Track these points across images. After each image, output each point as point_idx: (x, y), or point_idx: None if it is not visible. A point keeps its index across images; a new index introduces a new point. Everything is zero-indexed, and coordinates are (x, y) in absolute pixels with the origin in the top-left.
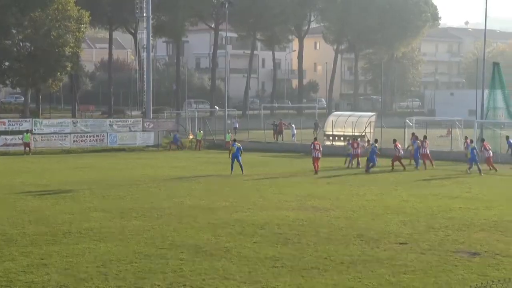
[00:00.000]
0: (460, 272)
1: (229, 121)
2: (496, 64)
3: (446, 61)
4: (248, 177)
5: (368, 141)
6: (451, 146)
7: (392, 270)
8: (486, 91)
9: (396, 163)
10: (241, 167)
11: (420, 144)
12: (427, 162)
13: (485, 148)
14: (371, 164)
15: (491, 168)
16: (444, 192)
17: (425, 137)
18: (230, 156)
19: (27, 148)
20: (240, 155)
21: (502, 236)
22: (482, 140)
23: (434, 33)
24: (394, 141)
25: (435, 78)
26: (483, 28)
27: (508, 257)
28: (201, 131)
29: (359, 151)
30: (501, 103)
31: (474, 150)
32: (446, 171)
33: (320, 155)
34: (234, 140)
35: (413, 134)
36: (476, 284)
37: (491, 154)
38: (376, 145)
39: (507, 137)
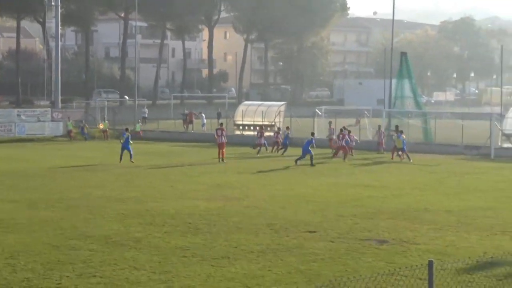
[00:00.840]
0: (369, 260)
1: (145, 110)
2: (404, 54)
3: (355, 51)
4: (158, 167)
5: (279, 129)
6: (359, 135)
7: (301, 258)
8: (394, 81)
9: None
10: (131, 154)
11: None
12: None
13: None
14: (283, 149)
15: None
16: (353, 181)
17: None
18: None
19: None
20: (129, 144)
21: (409, 224)
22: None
23: (343, 23)
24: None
25: (344, 67)
26: (391, 18)
27: (415, 244)
28: (106, 121)
29: (262, 140)
30: (408, 92)
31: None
32: (355, 160)
33: (223, 140)
34: (126, 130)
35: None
36: (384, 271)
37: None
38: (288, 132)
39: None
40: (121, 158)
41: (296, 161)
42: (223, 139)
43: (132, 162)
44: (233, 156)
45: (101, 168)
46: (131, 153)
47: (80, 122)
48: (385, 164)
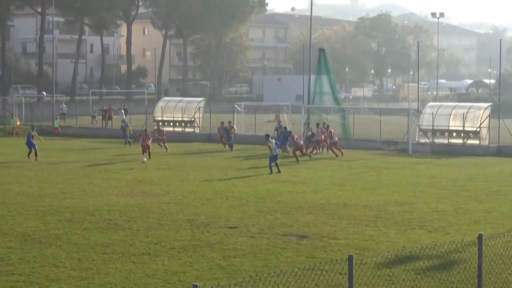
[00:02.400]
0: (289, 255)
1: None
2: (322, 50)
3: (273, 47)
4: (77, 163)
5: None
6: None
7: (222, 254)
8: (313, 77)
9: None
10: (36, 152)
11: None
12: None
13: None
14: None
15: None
16: (272, 176)
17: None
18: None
19: None
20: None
21: (329, 218)
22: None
23: (261, 19)
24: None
25: (262, 63)
26: (309, 14)
27: (335, 239)
28: (16, 117)
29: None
30: (327, 88)
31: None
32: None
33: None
34: (32, 128)
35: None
36: (305, 266)
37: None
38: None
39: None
40: (29, 155)
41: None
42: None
43: (37, 160)
44: (156, 155)
45: (18, 164)
46: (36, 150)
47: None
48: (302, 160)
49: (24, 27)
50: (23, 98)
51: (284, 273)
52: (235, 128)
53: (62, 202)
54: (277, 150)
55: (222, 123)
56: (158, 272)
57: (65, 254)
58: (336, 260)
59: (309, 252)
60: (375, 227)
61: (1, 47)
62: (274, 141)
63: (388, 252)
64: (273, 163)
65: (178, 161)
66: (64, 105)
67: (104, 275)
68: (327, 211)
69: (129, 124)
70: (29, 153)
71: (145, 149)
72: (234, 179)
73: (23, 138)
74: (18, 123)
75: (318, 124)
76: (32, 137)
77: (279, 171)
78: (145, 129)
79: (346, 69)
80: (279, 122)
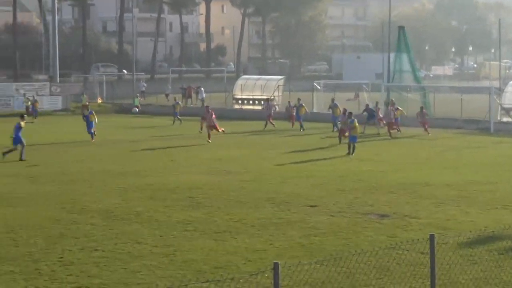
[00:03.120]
0: (370, 234)
1: (143, 83)
2: (401, 28)
3: (352, 25)
4: (158, 141)
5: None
6: (359, 109)
7: (303, 232)
8: (392, 55)
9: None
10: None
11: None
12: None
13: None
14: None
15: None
16: (354, 155)
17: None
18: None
19: None
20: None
21: (410, 198)
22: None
23: None
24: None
25: (342, 41)
26: None
27: (416, 218)
28: (85, 95)
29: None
30: (407, 66)
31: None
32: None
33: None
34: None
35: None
36: (386, 245)
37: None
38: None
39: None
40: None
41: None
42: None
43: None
44: (233, 132)
45: (100, 142)
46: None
47: (30, 98)
48: (383, 139)
49: (104, 6)
50: (104, 77)
51: (365, 252)
52: (304, 106)
53: (143, 179)
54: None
55: (289, 102)
56: (239, 249)
57: (147, 231)
58: (418, 240)
59: (390, 231)
60: (457, 206)
61: (82, 26)
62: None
63: (470, 232)
64: (351, 143)
65: (257, 140)
66: (144, 83)
67: (185, 252)
68: (408, 190)
69: (180, 102)
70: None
71: (212, 128)
72: (315, 157)
73: (105, 115)
74: (100, 100)
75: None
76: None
77: (350, 153)
78: (206, 106)
79: (426, 47)
80: (332, 100)
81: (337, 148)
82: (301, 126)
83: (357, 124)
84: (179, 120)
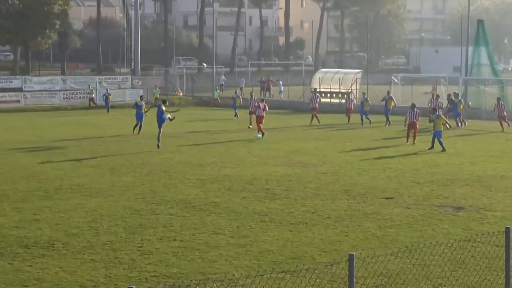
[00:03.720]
0: (445, 226)
1: (223, 77)
2: (480, 22)
3: (431, 18)
4: (236, 134)
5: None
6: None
7: (378, 224)
8: (471, 48)
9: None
10: (140, 125)
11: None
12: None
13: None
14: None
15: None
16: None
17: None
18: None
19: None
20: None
21: (485, 191)
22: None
23: None
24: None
25: (420, 35)
26: None
27: (492, 211)
28: (157, 88)
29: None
30: (485, 60)
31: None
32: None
33: (262, 114)
34: (163, 101)
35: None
36: (461, 238)
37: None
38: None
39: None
40: (140, 128)
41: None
42: (262, 112)
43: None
44: (311, 125)
45: (178, 134)
46: (141, 123)
47: (105, 92)
48: (459, 132)
49: (185, 0)
50: (185, 70)
51: (440, 244)
52: (394, 99)
53: (221, 171)
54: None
55: (363, 94)
56: (315, 241)
57: (224, 221)
58: (493, 232)
59: (465, 223)
60: None
61: (163, 20)
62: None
63: None
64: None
65: (335, 132)
66: (224, 77)
67: (262, 242)
68: (483, 183)
69: (240, 95)
70: (135, 126)
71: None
72: (391, 150)
73: (185, 108)
74: (180, 93)
75: (456, 94)
76: (141, 107)
77: (432, 147)
78: (262, 99)
79: (505, 41)
80: (388, 92)
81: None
82: (387, 120)
83: (442, 117)
84: (237, 115)
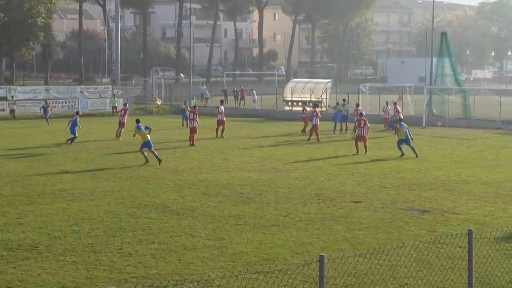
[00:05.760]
0: (411, 228)
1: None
2: (444, 34)
3: (397, 31)
4: (212, 141)
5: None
6: (402, 111)
7: (347, 226)
8: (435, 59)
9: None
10: (73, 137)
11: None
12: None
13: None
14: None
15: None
16: (396, 153)
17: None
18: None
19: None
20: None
21: (449, 194)
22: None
23: (385, 4)
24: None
25: (387, 47)
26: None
27: (455, 214)
28: (115, 97)
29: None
30: (448, 70)
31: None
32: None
33: (195, 125)
34: (137, 121)
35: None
36: (426, 239)
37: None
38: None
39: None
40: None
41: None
42: (195, 123)
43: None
44: (283, 133)
45: (157, 141)
46: (76, 136)
47: (44, 103)
48: (424, 138)
49: (163, 13)
50: (163, 80)
51: (406, 246)
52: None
53: (198, 176)
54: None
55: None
56: (287, 243)
57: (200, 224)
58: (456, 234)
59: (430, 226)
60: (494, 203)
61: (142, 32)
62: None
63: (507, 227)
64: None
65: (306, 139)
66: (205, 87)
67: (236, 244)
68: (447, 187)
69: (188, 107)
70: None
71: (192, 132)
72: (359, 156)
73: (163, 116)
74: (159, 102)
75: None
76: (76, 121)
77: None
78: (194, 106)
79: (467, 52)
80: (344, 100)
81: (381, 146)
82: (334, 128)
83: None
84: (183, 124)
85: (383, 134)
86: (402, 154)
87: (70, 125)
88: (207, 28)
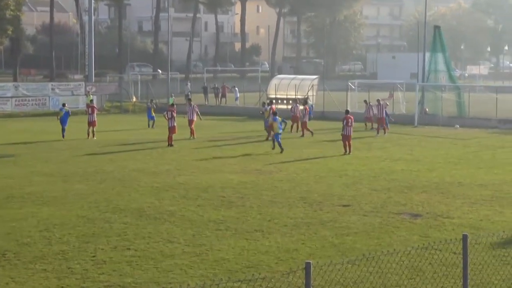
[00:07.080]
0: (403, 234)
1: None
2: (437, 28)
3: (387, 24)
4: (191, 140)
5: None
6: (393, 109)
7: (335, 232)
8: (428, 54)
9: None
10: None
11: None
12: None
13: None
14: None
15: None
16: (386, 154)
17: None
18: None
19: None
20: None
21: (443, 197)
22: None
23: None
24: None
25: (377, 41)
26: None
27: (449, 218)
28: (91, 95)
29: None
30: (442, 66)
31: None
32: (388, 134)
33: (174, 124)
34: (63, 105)
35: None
36: (418, 245)
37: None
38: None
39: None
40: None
41: None
42: (174, 122)
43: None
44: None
45: (133, 141)
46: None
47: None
48: (417, 138)
49: (140, 6)
50: (139, 76)
51: (397, 252)
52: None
53: (176, 179)
54: (281, 128)
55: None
56: (271, 249)
57: (179, 230)
58: (451, 240)
59: (423, 231)
60: (490, 206)
61: (117, 26)
62: (280, 119)
63: (504, 232)
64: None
65: (292, 139)
66: (190, 88)
67: (217, 251)
68: (441, 189)
69: (154, 106)
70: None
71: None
72: (347, 156)
73: (139, 115)
74: (135, 100)
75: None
76: (68, 113)
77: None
78: (172, 104)
79: (462, 47)
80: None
81: (371, 147)
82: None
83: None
84: (150, 124)
85: (371, 133)
86: (282, 150)
87: (61, 117)
88: (186, 21)
